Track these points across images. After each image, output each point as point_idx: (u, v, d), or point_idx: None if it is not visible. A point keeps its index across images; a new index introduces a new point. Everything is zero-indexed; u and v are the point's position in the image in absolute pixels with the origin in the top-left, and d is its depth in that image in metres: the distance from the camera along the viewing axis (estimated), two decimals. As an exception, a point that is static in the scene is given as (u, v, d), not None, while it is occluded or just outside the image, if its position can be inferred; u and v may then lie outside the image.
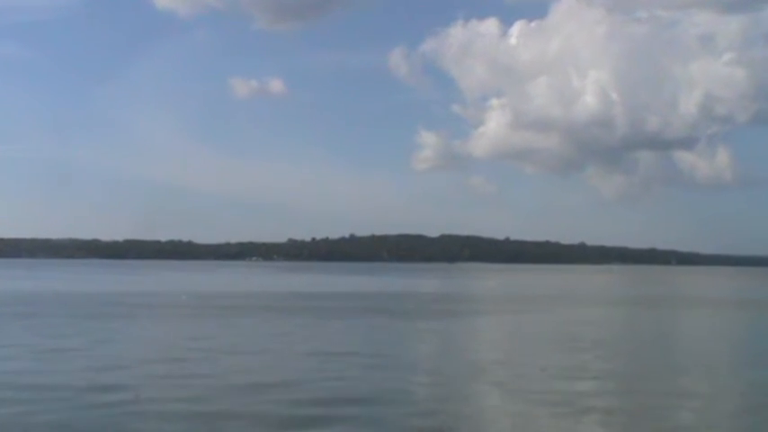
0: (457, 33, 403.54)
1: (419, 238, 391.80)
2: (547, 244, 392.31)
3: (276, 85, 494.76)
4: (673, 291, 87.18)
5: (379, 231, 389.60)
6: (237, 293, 68.41)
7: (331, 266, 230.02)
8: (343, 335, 32.83)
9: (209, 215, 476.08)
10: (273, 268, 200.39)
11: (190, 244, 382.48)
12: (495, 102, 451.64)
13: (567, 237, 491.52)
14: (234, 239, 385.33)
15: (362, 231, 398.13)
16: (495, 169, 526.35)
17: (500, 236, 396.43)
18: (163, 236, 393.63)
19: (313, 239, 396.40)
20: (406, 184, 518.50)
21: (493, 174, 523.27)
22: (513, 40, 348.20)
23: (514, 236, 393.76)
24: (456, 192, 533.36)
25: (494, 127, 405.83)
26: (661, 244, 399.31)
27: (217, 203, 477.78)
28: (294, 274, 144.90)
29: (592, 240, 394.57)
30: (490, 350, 28.60)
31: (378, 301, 59.62)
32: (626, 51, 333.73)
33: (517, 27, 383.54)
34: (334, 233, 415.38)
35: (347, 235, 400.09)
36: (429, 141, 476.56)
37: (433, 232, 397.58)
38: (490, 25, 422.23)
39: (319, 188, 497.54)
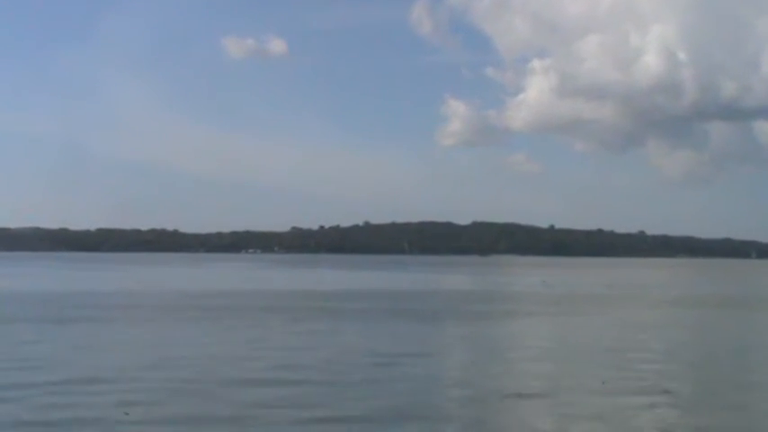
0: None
1: (446, 226, 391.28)
2: (599, 233, 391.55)
3: (277, 46, 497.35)
4: (753, 290, 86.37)
5: (398, 218, 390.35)
6: (232, 292, 68.72)
7: (342, 260, 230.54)
8: (362, 343, 32.74)
9: (197, 200, 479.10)
10: (274, 262, 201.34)
11: (175, 233, 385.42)
12: (537, 64, 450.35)
13: (624, 225, 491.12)
14: (227, 228, 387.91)
15: (379, 218, 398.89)
16: (538, 145, 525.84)
17: (543, 224, 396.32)
18: (143, 224, 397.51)
19: (321, 228, 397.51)
20: (431, 162, 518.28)
21: (534, 150, 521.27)
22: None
23: (560, 224, 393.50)
24: (490, 171, 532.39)
25: (535, 94, 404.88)
26: (738, 233, 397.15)
27: (207, 186, 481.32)
28: (299, 269, 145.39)
29: (653, 229, 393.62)
30: (537, 360, 28.45)
31: (399, 301, 59.72)
32: (696, 1, 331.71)
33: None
34: (346, 220, 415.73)
35: (361, 222, 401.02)
36: (458, 111, 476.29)
37: (462, 219, 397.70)
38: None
39: (328, 167, 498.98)
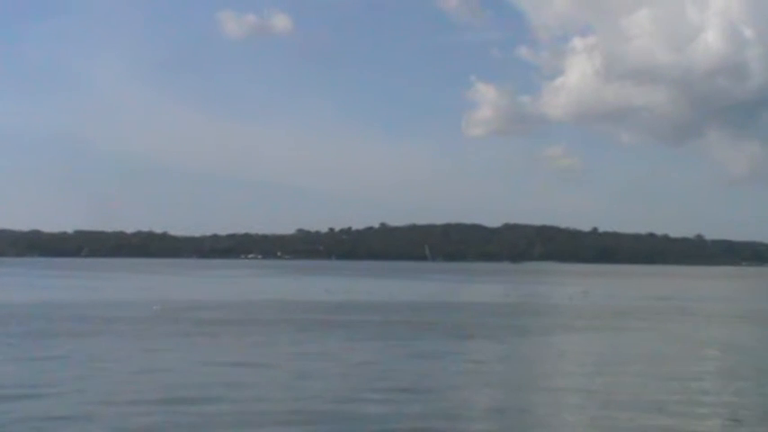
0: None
1: (473, 228, 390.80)
2: (649, 238, 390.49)
3: (280, 22, 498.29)
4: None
5: (419, 220, 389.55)
6: (228, 303, 68.88)
7: (355, 267, 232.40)
8: (380, 363, 32.88)
9: (190, 198, 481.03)
10: (277, 269, 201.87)
11: (165, 237, 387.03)
12: (578, 43, 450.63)
13: (679, 228, 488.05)
14: (224, 231, 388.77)
15: (397, 220, 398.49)
16: (579, 136, 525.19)
17: (585, 226, 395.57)
18: (128, 226, 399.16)
19: (331, 231, 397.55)
20: (456, 155, 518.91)
21: (576, 142, 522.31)
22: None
23: (605, 226, 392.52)
24: (524, 166, 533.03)
25: (577, 77, 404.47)
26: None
27: (201, 182, 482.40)
28: (305, 277, 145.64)
29: (713, 233, 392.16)
30: (583, 378, 28.51)
31: (421, 313, 59.82)
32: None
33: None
34: (359, 222, 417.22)
35: (376, 225, 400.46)
36: (487, 97, 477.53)
37: (492, 221, 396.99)
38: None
39: (339, 162, 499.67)
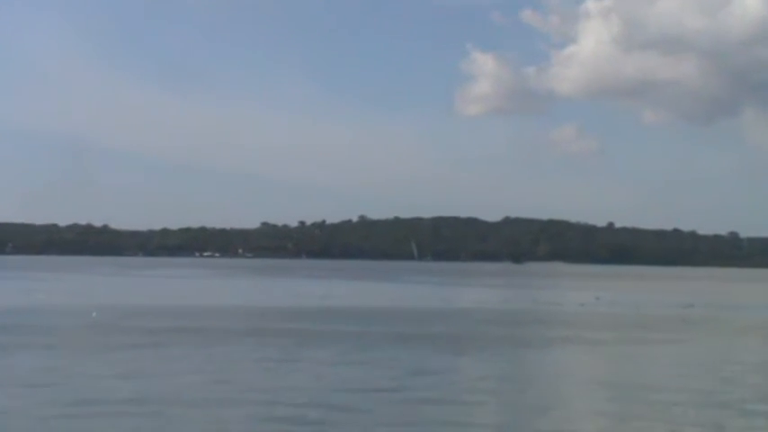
0: None
1: (468, 223, 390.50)
2: (675, 235, 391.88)
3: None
4: None
5: (404, 212, 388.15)
6: (179, 310, 68.36)
7: (330, 266, 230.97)
8: (360, 383, 32.64)
9: (135, 187, 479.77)
10: (238, 269, 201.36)
11: (105, 231, 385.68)
12: (592, 5, 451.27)
13: (709, 224, 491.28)
14: (175, 224, 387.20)
15: (378, 212, 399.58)
16: (593, 114, 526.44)
17: (599, 221, 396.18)
18: (61, 218, 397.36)
19: (301, 224, 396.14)
20: (449, 137, 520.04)
21: (589, 122, 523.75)
22: None
23: (622, 221, 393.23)
24: (529, 151, 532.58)
25: (591, 46, 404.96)
26: None
27: (149, 168, 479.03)
28: (270, 278, 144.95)
29: (749, 230, 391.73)
30: (595, 405, 28.50)
31: (406, 323, 59.71)
32: None
33: None
34: (335, 215, 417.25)
35: (354, 218, 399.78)
36: (485, 68, 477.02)
37: (490, 215, 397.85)
38: None
39: (311, 143, 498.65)
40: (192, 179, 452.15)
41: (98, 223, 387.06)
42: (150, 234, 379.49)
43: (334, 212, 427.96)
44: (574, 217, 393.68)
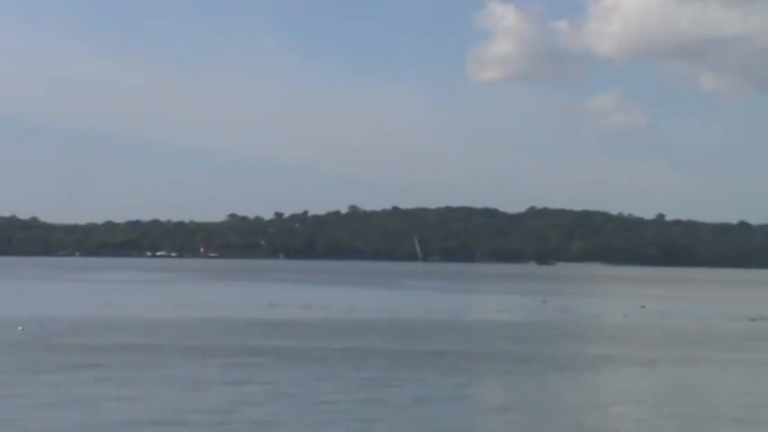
0: None
1: (484, 215, 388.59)
2: (741, 229, 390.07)
3: None
4: None
5: (405, 202, 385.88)
6: (125, 323, 68.21)
7: (313, 268, 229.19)
8: (354, 418, 32.03)
9: (71, 171, 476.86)
10: (199, 272, 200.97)
11: (35, 225, 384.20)
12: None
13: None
14: (121, 217, 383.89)
15: (373, 201, 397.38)
16: (640, 80, 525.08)
17: (646, 212, 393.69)
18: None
19: (278, 216, 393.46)
20: (459, 108, 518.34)
21: (635, 89, 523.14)
22: None
23: (675, 212, 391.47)
24: (559, 126, 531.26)
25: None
26: None
27: (88, 148, 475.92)
28: (240, 284, 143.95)
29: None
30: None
31: (409, 339, 59.37)
32: None
33: None
34: (320, 204, 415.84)
35: (344, 208, 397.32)
36: (505, 23, 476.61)
37: (511, 205, 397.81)
38: None
39: (289, 117, 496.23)
40: (141, 161, 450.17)
41: (24, 216, 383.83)
42: (90, 229, 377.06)
43: (318, 202, 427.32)
44: (615, 208, 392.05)
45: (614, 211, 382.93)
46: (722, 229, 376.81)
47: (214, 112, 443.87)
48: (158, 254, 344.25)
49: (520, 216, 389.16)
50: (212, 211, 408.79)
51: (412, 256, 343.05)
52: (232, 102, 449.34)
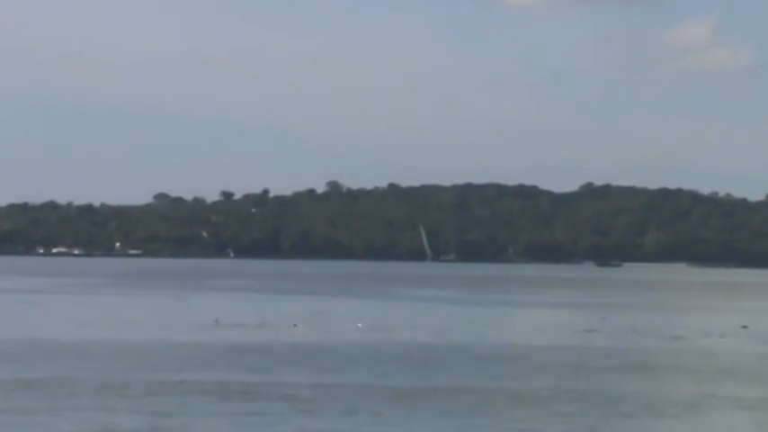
0: None
1: (521, 195, 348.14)
2: None
3: None
4: None
5: (407, 178, 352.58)
6: (8, 347, 59.35)
7: (275, 271, 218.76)
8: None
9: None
10: (114, 277, 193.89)
11: None
12: None
13: None
14: (1, 199, 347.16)
15: (362, 177, 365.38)
16: (741, 2, 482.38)
17: (751, 192, 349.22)
18: None
19: (226, 198, 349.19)
20: (484, 44, 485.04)
21: (734, 15, 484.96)
22: None
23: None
24: (627, 68, 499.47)
25: None
26: None
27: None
28: (173, 293, 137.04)
29: None
30: None
31: (414, 372, 51.26)
32: None
33: None
34: (287, 181, 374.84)
35: (320, 186, 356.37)
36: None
37: (559, 182, 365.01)
38: None
39: (242, 59, 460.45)
40: (33, 122, 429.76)
41: None
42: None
43: (283, 177, 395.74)
44: (706, 186, 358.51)
45: (705, 191, 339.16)
46: None
47: (134, 54, 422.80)
48: (55, 250, 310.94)
49: (570, 197, 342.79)
50: (135, 193, 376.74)
51: (417, 254, 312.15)
52: (159, 38, 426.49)
